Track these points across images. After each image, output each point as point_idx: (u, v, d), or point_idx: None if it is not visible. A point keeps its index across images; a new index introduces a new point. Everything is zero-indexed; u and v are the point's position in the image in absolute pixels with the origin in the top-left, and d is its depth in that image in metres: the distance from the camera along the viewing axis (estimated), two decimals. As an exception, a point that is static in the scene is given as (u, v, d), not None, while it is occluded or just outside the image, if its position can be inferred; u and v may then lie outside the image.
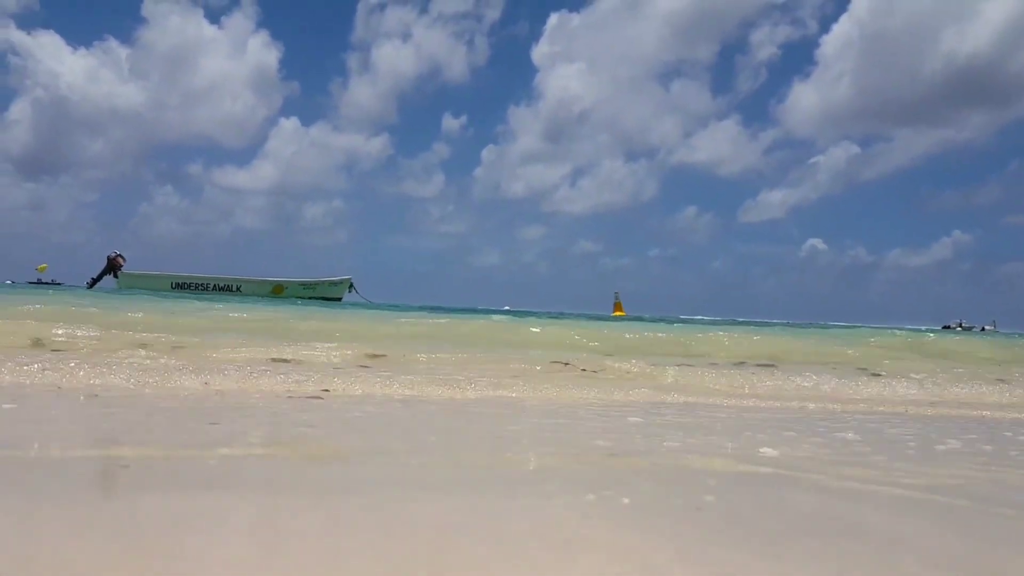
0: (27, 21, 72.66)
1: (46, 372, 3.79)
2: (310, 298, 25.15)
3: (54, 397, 3.16)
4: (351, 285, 26.96)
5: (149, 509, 1.59)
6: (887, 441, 3.14)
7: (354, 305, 21.23)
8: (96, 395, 3.26)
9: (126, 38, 77.79)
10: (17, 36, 65.98)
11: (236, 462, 2.11)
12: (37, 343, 5.32)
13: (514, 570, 1.31)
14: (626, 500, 1.84)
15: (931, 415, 4.32)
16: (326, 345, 6.11)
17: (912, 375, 6.56)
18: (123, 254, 26.75)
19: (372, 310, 16.38)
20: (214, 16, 78.12)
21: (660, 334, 9.79)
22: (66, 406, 3.00)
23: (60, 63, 69.80)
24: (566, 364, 6.06)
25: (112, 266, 26.50)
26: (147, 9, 73.59)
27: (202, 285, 25.80)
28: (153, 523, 1.50)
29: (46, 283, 27.27)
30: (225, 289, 25.79)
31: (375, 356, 5.80)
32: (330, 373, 4.67)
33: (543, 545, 1.45)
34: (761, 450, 2.64)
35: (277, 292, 25.96)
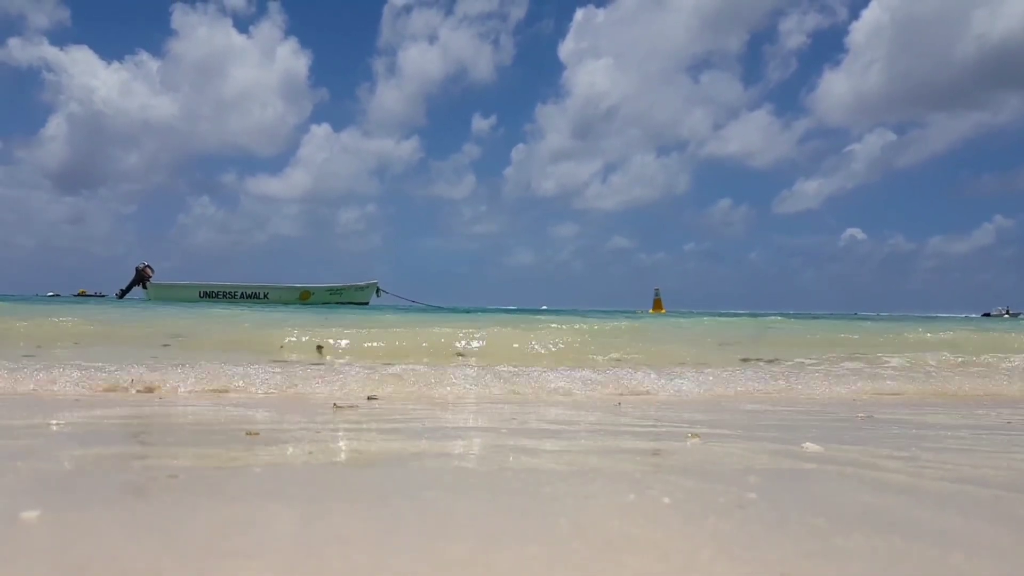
0: (60, 37, 74.14)
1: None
2: (337, 303, 25.35)
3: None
4: (378, 289, 27.12)
5: (198, 515, 1.62)
6: (933, 433, 3.10)
7: (414, 309, 21.13)
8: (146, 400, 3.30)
9: (157, 50, 79.10)
10: (51, 52, 67.32)
11: (281, 468, 2.13)
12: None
13: (559, 571, 1.32)
14: (667, 499, 1.84)
15: (974, 405, 4.25)
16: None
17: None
18: (152, 264, 27.12)
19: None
20: (242, 25, 79.04)
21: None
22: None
23: (94, 77, 71.24)
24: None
25: (141, 277, 26.88)
26: (177, 21, 74.70)
27: (230, 293, 26.08)
28: (203, 528, 1.52)
29: (90, 295, 27.97)
30: (253, 297, 26.06)
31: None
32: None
33: (586, 545, 1.46)
34: (804, 445, 2.61)
35: (304, 298, 26.19)
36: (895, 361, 7.28)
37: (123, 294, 27.65)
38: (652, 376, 5.40)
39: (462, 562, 1.35)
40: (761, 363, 7.04)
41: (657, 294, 30.28)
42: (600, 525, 1.60)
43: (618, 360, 7.20)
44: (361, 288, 26.98)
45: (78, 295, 28.40)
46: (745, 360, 7.34)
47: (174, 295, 25.43)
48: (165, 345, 7.68)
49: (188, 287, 26.19)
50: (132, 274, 27.17)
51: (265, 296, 26.23)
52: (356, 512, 1.68)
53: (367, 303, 26.47)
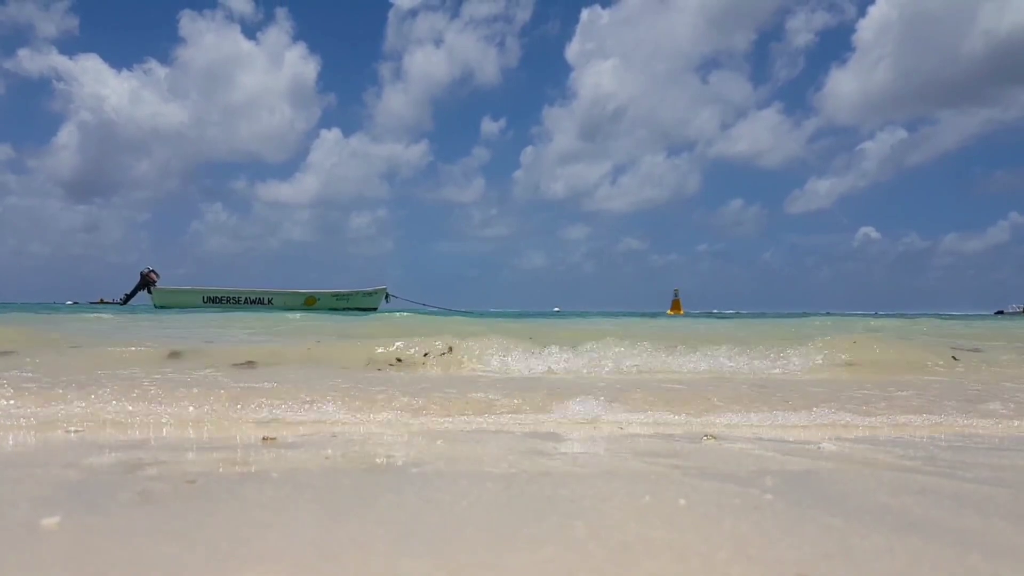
0: (68, 46, 74.24)
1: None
2: (344, 309, 25.30)
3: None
4: (387, 295, 27.00)
5: (216, 519, 1.63)
6: (949, 432, 3.09)
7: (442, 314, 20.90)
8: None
9: (165, 58, 79.09)
10: (60, 61, 67.54)
11: (298, 473, 2.14)
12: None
13: (575, 573, 1.32)
14: (683, 501, 1.84)
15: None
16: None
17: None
18: (157, 270, 27.19)
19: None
20: (250, 31, 79.02)
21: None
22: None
23: (104, 86, 71.35)
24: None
25: (146, 282, 26.96)
26: (185, 28, 74.65)
27: (234, 299, 26.10)
28: (221, 533, 1.53)
29: (108, 302, 28.09)
30: (257, 302, 26.06)
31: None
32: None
33: (602, 548, 1.46)
34: (821, 445, 2.61)
35: (310, 304, 26.16)
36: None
37: (127, 299, 27.74)
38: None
39: (478, 565, 1.35)
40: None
41: (676, 295, 30.06)
42: (616, 527, 1.60)
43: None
44: (369, 294, 26.88)
45: (97, 303, 28.54)
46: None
47: (178, 300, 25.49)
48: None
49: (192, 292, 26.22)
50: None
51: (269, 302, 26.23)
52: (372, 516, 1.68)
53: (375, 309, 26.38)
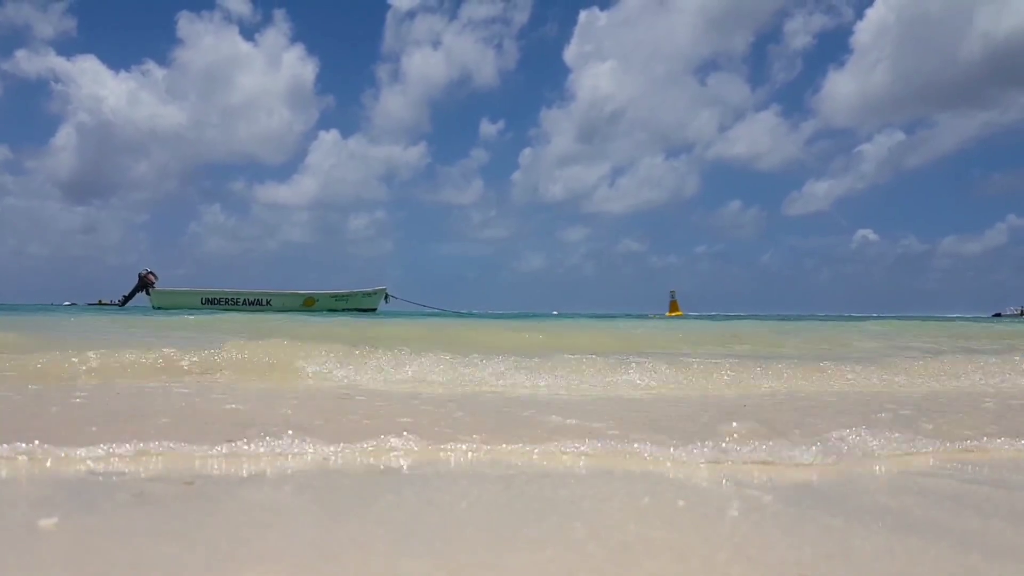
0: (66, 47, 73.78)
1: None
2: (344, 310, 25.23)
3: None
4: (387, 295, 26.90)
5: (215, 520, 1.63)
6: (948, 432, 3.08)
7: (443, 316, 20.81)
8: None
9: (163, 59, 78.65)
10: (58, 62, 67.38)
11: (297, 474, 2.13)
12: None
13: (575, 574, 1.32)
14: (682, 502, 1.84)
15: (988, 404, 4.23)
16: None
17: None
18: (155, 271, 27.15)
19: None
20: (248, 33, 78.76)
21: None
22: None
23: (102, 87, 71.04)
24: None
25: (144, 283, 26.93)
26: (183, 30, 74.28)
27: (232, 300, 26.03)
28: (220, 534, 1.52)
29: (106, 304, 28.08)
30: (256, 303, 26.00)
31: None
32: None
33: (603, 548, 1.46)
34: (818, 445, 2.60)
35: (309, 305, 26.09)
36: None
37: (125, 301, 27.70)
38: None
39: (478, 565, 1.36)
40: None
41: (673, 296, 30.07)
42: (616, 528, 1.60)
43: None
44: (369, 294, 26.76)
45: (96, 304, 28.54)
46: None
47: (177, 302, 25.43)
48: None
49: (190, 293, 26.16)
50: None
51: (268, 303, 26.15)
52: (372, 516, 1.68)
53: (375, 309, 26.29)
